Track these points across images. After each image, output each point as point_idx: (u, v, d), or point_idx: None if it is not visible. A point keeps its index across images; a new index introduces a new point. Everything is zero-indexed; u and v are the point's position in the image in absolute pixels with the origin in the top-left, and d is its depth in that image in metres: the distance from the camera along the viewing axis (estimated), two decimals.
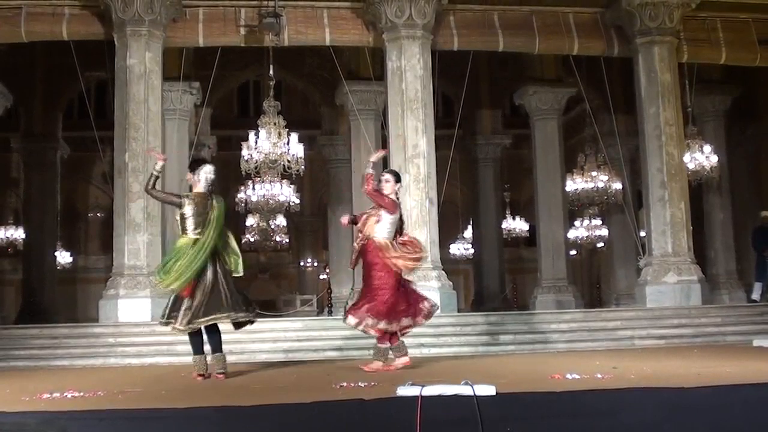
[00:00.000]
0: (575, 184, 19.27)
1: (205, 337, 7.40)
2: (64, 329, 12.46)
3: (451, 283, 13.45)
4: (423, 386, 4.58)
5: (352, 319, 7.79)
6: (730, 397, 4.81)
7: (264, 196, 17.96)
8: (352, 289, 16.99)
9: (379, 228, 7.84)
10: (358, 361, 9.09)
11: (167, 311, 7.31)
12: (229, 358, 10.30)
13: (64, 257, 25.44)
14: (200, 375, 7.26)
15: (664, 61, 14.27)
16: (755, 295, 15.35)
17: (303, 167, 15.60)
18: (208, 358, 7.40)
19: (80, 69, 14.59)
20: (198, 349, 7.38)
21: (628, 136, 17.93)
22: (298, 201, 19.56)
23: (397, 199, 8.11)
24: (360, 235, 7.94)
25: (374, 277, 7.80)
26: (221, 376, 7.28)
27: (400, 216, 8.06)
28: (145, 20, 13.15)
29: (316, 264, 31.52)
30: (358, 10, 14.18)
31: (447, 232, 21.61)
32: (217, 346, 7.40)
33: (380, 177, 8.13)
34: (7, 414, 4.43)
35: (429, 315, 8.05)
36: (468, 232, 25.43)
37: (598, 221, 23.59)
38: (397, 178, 8.22)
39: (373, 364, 7.73)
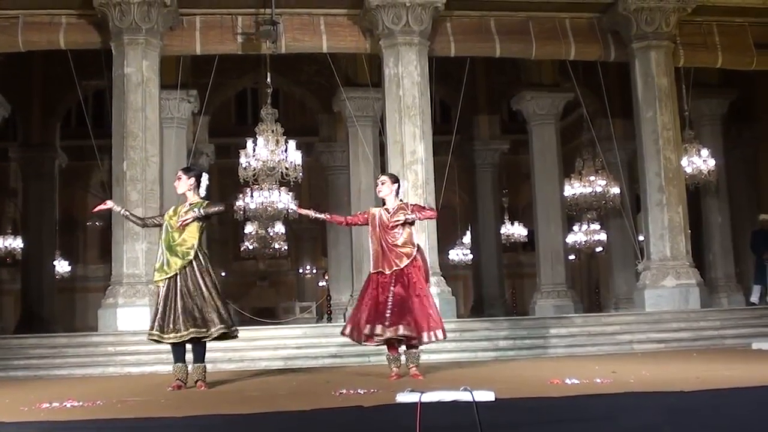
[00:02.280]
0: (573, 188, 19.26)
1: (188, 345, 7.35)
2: (63, 339, 12.46)
3: (450, 288, 13.46)
4: (422, 393, 4.57)
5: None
6: (730, 401, 4.81)
7: (262, 203, 17.96)
8: (351, 295, 17.00)
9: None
10: (356, 368, 9.08)
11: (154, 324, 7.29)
12: (228, 366, 10.37)
13: (62, 266, 25.37)
14: (179, 384, 7.13)
15: (661, 66, 14.30)
16: (754, 298, 15.35)
17: (301, 174, 15.62)
18: (189, 367, 7.32)
19: (78, 78, 14.60)
20: (179, 358, 7.31)
21: (626, 141, 17.92)
22: (296, 208, 19.52)
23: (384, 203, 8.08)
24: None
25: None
26: (201, 385, 7.17)
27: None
28: (142, 29, 13.16)
29: (315, 271, 31.50)
30: (354, 17, 14.21)
31: (445, 238, 21.60)
32: (199, 357, 7.32)
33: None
34: (6, 424, 4.42)
35: None
36: (467, 238, 25.42)
37: (596, 226, 23.57)
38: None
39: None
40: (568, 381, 6.03)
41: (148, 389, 7.38)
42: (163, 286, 7.25)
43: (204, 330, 7.17)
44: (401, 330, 7.48)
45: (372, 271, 7.78)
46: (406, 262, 7.67)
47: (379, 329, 7.52)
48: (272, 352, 11.38)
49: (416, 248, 7.81)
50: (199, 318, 7.17)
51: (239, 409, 4.94)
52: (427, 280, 7.94)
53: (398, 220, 7.73)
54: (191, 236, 7.38)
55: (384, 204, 8.00)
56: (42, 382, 9.38)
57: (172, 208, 7.64)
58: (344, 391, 5.90)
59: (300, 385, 7.49)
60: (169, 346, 7.39)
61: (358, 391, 5.86)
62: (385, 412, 4.61)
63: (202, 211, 7.46)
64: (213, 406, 5.59)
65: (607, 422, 4.55)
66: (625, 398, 4.88)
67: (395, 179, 8.11)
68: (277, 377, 8.71)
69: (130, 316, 12.36)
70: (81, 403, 5.61)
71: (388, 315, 7.51)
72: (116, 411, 5.30)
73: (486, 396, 4.58)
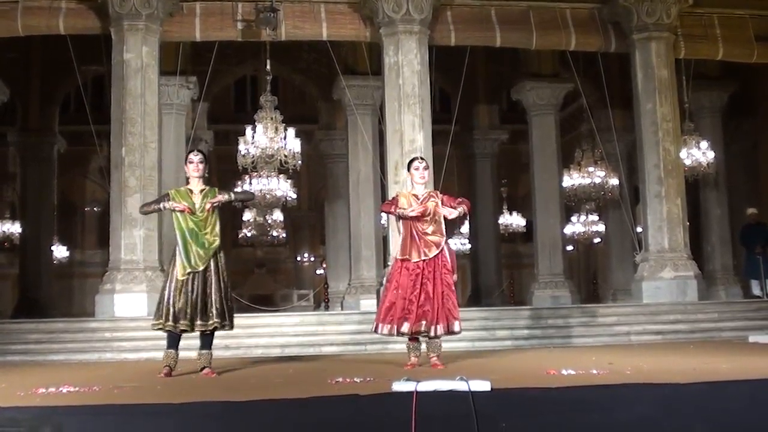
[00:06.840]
0: (572, 179, 19.25)
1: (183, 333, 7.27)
2: (61, 324, 12.45)
3: None
4: (418, 382, 4.58)
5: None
6: (726, 393, 4.82)
7: (261, 191, 17.94)
8: (348, 284, 17.02)
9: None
10: (353, 357, 9.07)
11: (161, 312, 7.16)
12: (225, 353, 10.37)
13: (60, 252, 25.40)
14: (168, 371, 7.02)
15: (661, 57, 14.28)
16: (757, 291, 15.35)
17: (300, 162, 15.58)
18: (194, 353, 7.29)
19: (77, 63, 14.53)
20: (174, 344, 7.19)
21: (625, 132, 17.92)
22: (295, 196, 19.52)
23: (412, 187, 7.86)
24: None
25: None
26: (210, 372, 7.09)
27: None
28: (142, 14, 13.14)
29: (312, 259, 31.51)
30: (355, 5, 14.17)
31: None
32: (207, 344, 7.27)
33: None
34: (2, 409, 4.42)
35: None
36: (465, 228, 25.43)
37: (594, 217, 23.58)
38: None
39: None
40: (564, 371, 6.03)
41: (145, 375, 7.37)
42: (182, 276, 7.07)
43: (218, 321, 7.13)
44: (423, 327, 7.39)
45: (399, 257, 7.58)
46: (435, 251, 7.49)
47: (405, 327, 7.41)
48: (269, 340, 11.39)
49: (444, 238, 7.67)
50: (220, 309, 7.13)
51: (235, 396, 4.94)
52: (453, 272, 7.81)
53: (454, 212, 7.57)
54: (216, 224, 7.24)
55: (409, 189, 7.85)
56: (38, 367, 9.37)
57: (176, 191, 7.38)
58: (340, 379, 5.90)
59: (296, 372, 7.49)
60: (163, 333, 7.29)
61: (355, 379, 5.85)
62: (381, 401, 4.61)
63: (232, 195, 7.43)
64: (209, 392, 5.58)
65: (604, 413, 4.56)
66: (621, 389, 4.88)
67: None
68: (274, 365, 8.71)
69: (128, 302, 12.37)
70: (77, 389, 5.61)
71: (413, 310, 7.38)
72: (112, 397, 5.30)
73: (482, 386, 4.59)
